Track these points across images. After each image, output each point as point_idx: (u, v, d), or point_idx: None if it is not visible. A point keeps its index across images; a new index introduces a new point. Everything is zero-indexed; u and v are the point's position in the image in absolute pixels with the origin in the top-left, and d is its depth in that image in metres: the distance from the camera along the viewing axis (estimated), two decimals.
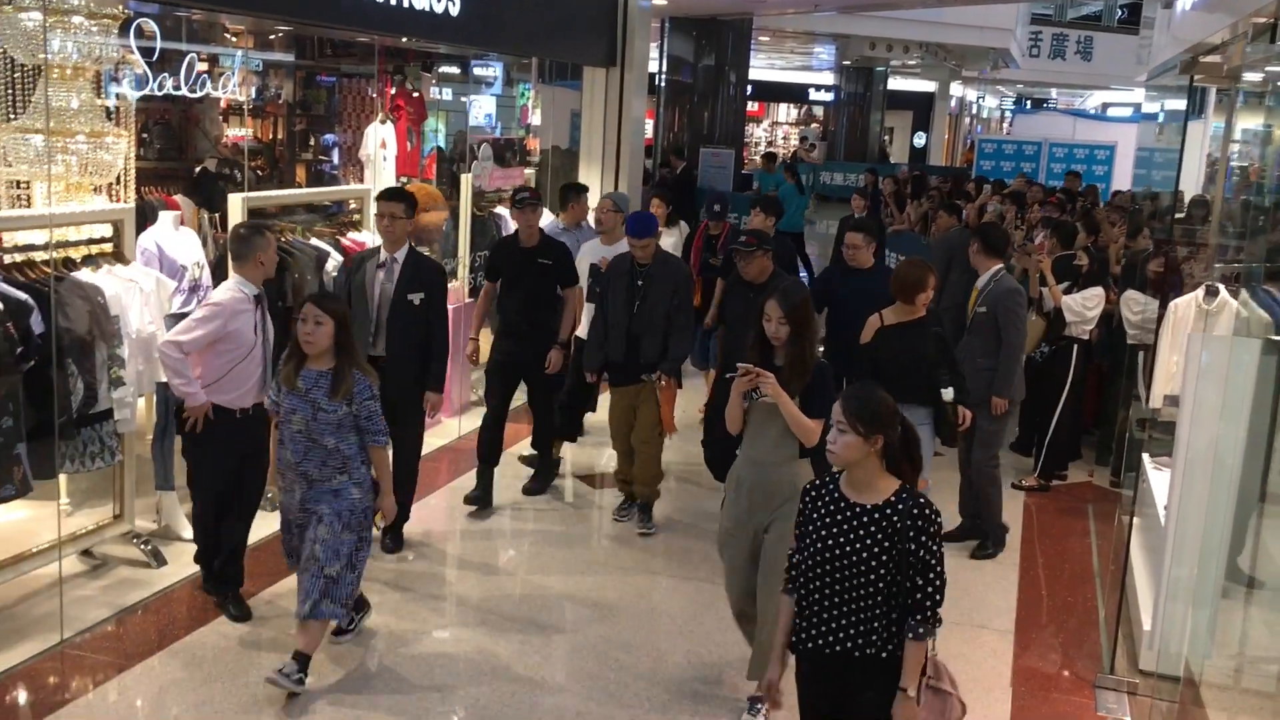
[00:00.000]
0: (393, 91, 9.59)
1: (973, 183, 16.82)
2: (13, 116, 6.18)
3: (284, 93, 11.82)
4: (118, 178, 6.49)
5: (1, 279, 4.88)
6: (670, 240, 8.99)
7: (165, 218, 6.36)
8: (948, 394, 5.79)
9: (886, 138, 32.31)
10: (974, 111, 42.22)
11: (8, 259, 5.10)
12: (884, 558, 3.24)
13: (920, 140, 33.70)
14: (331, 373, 4.50)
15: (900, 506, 3.28)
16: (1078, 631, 5.73)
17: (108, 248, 5.53)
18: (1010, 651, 5.42)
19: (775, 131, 37.58)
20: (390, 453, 4.98)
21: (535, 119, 13.31)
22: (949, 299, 8.18)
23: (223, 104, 10.84)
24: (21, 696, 4.48)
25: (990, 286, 6.59)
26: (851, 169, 25.37)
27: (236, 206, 6.22)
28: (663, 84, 17.18)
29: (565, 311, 6.92)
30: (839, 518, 3.33)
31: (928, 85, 33.27)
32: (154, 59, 6.29)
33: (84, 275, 5.25)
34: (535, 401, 7.12)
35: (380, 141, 8.29)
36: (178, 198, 8.31)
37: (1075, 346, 7.64)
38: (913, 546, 3.23)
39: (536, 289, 6.77)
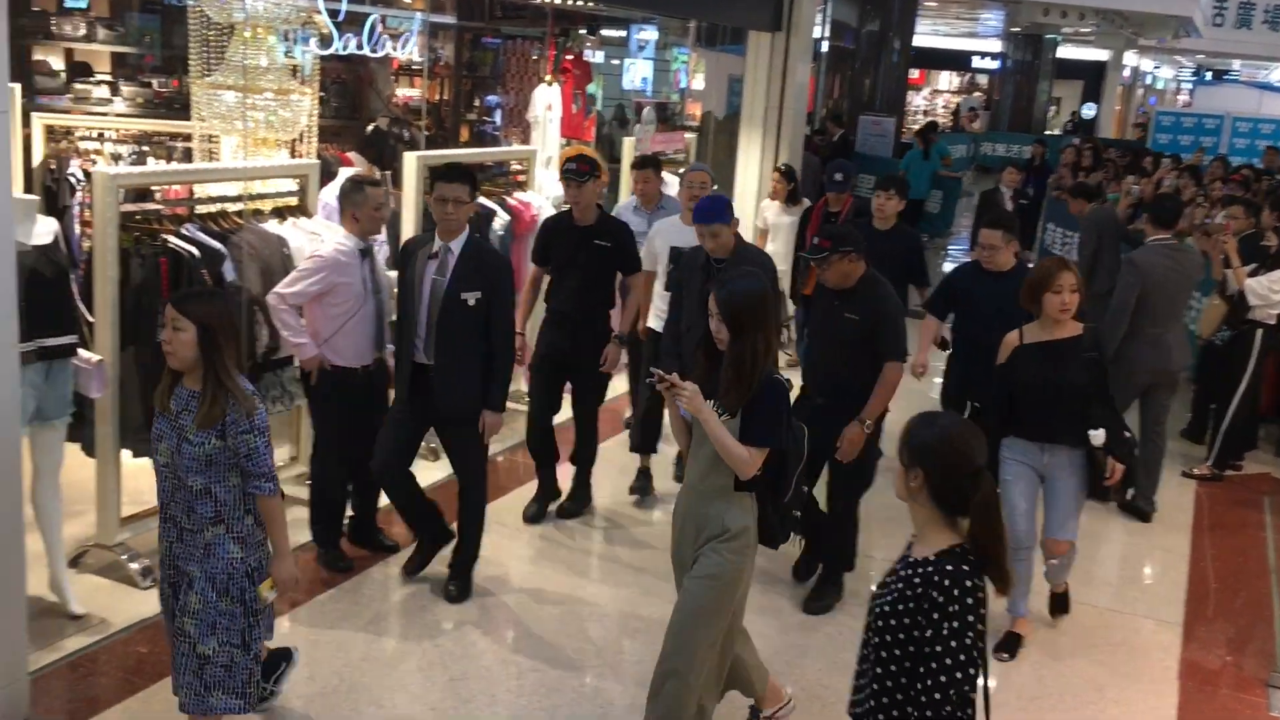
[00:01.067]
0: (567, 55, 9.67)
1: (1150, 157, 16.07)
2: (207, 73, 6.50)
3: (452, 54, 12.08)
4: (301, 134, 6.77)
5: (198, 228, 5.13)
6: (789, 219, 8.66)
7: (344, 174, 6.58)
8: (1096, 437, 4.65)
9: (1054, 108, 31.11)
10: (1148, 83, 40.28)
11: (202, 209, 5.36)
12: (888, 632, 2.62)
13: (1090, 111, 32.33)
14: (199, 394, 3.42)
15: (924, 570, 2.60)
16: (1249, 628, 5.49)
17: (293, 201, 5.76)
18: (1178, 644, 5.23)
19: (935, 100, 36.60)
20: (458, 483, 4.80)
21: (695, 83, 13.30)
22: (1099, 284, 7.85)
23: (394, 64, 11.16)
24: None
25: None
26: (1015, 140, 24.54)
27: (412, 166, 6.40)
28: (824, 50, 16.91)
29: (627, 302, 6.05)
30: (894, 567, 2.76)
31: (1100, 54, 31.85)
32: (338, 20, 6.49)
33: (271, 226, 5.48)
34: (579, 407, 6.05)
35: (547, 104, 8.38)
36: (351, 154, 8.62)
37: (1258, 331, 7.26)
38: (906, 622, 2.57)
39: (592, 274, 5.83)
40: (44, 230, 4.39)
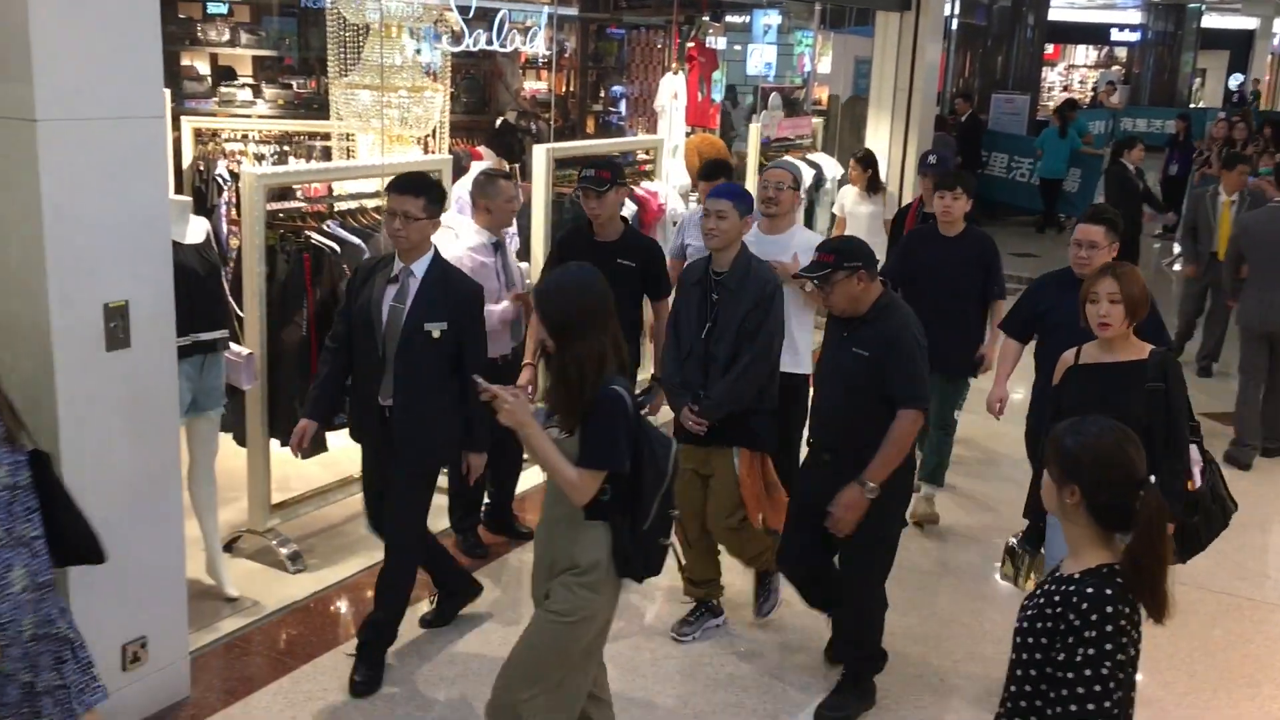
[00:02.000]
0: (689, 43, 9.67)
1: None
2: (344, 73, 6.69)
3: (577, 46, 12.19)
4: (433, 130, 6.92)
5: (339, 225, 5.29)
6: (868, 209, 8.24)
7: (475, 168, 6.70)
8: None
9: (1199, 80, 29.77)
10: None
11: (341, 205, 5.52)
12: (1024, 650, 2.45)
13: (1236, 82, 30.84)
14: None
15: (1065, 589, 2.41)
16: None
17: None
18: None
19: (1071, 75, 35.37)
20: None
21: (821, 66, 13.13)
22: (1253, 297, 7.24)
23: (521, 58, 11.30)
24: (344, 606, 4.93)
25: None
26: (1157, 114, 23.56)
27: (540, 158, 6.47)
28: (954, 27, 16.51)
29: (657, 335, 5.14)
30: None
31: (1248, 22, 30.35)
32: (468, 16, 6.60)
33: None
34: None
35: (673, 92, 8.38)
36: (481, 148, 8.76)
37: None
38: (1043, 642, 2.40)
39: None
40: (197, 229, 4.59)
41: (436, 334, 4.18)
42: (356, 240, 5.27)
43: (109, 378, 3.70)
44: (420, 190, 4.18)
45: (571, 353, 3.19)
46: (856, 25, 12.93)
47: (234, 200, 7.18)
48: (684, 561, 4.70)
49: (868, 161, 8.42)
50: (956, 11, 16.38)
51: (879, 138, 10.19)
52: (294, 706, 4.17)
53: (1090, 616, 2.33)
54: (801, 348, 5.18)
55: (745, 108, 12.43)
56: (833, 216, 8.78)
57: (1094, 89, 32.22)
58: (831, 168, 9.13)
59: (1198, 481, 3.98)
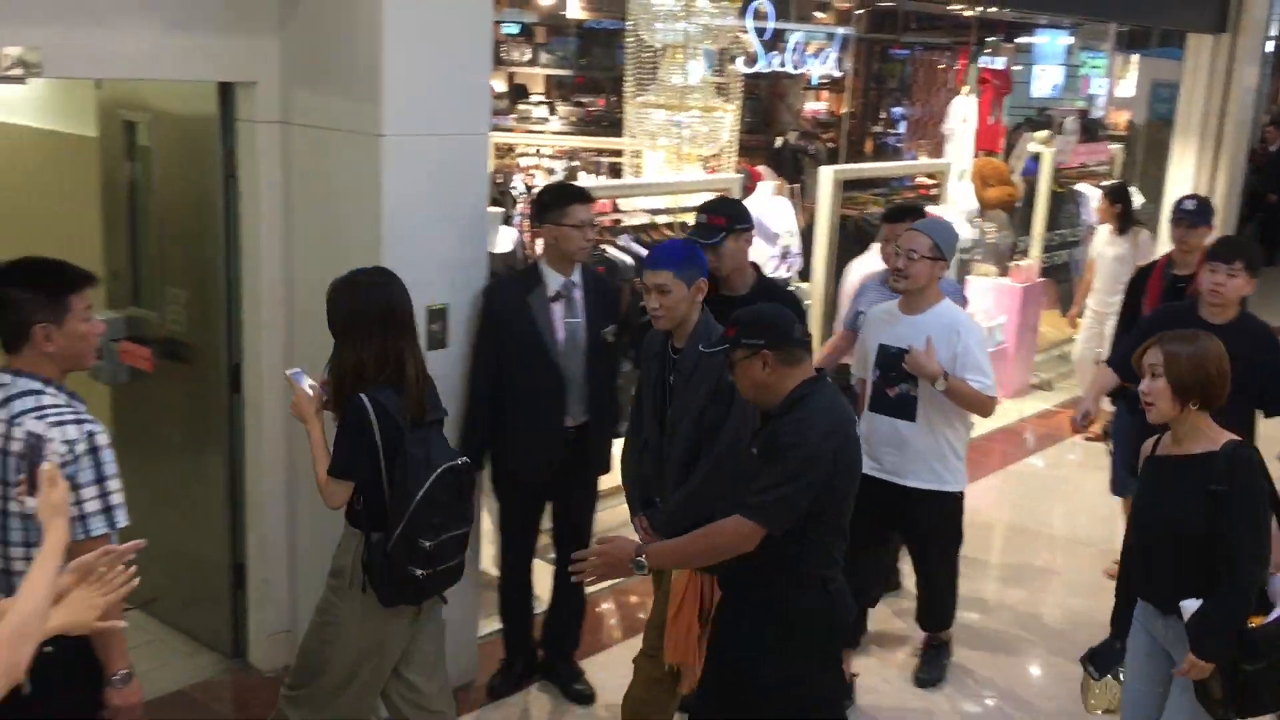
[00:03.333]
0: (980, 64, 9.43)
1: None
2: (639, 93, 6.92)
3: (861, 67, 12.09)
4: (721, 150, 7.05)
5: (632, 239, 5.48)
6: (1114, 252, 7.21)
7: (764, 187, 6.78)
8: (1187, 607, 3.11)
9: None
10: None
11: (633, 221, 5.71)
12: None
13: None
14: None
15: None
16: None
17: None
18: None
19: None
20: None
21: (1119, 90, 12.48)
22: None
23: (804, 78, 11.33)
24: (612, 610, 5.10)
25: None
26: None
27: (827, 179, 6.47)
28: (1269, 49, 15.29)
29: None
30: None
31: None
32: (764, 38, 6.69)
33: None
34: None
35: (963, 116, 8.20)
36: (761, 168, 8.84)
37: None
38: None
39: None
40: (505, 239, 4.87)
41: (610, 338, 4.16)
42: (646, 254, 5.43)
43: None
44: (592, 199, 4.22)
45: (339, 352, 3.23)
46: (1160, 47, 12.22)
47: (528, 212, 7.56)
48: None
49: (1117, 195, 7.43)
50: (1273, 33, 15.17)
51: (1183, 168, 9.57)
52: (564, 700, 4.36)
53: None
54: (950, 456, 4.26)
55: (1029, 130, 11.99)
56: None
57: None
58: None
59: (1274, 616, 3.09)
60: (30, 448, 2.51)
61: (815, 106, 12.24)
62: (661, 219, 5.80)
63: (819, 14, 10.24)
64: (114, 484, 2.68)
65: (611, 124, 9.64)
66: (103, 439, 2.67)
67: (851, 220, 6.57)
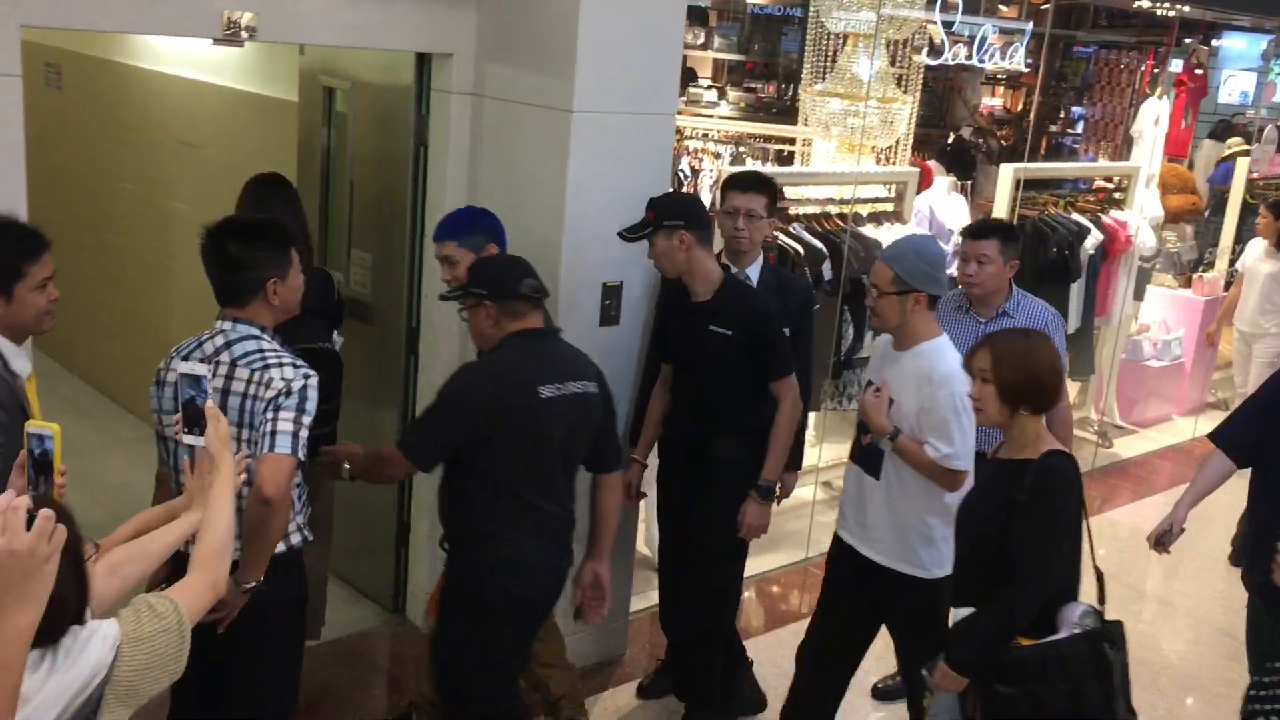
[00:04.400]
0: (1175, 66, 9.01)
1: None
2: (818, 82, 6.84)
3: (1042, 63, 11.70)
4: (896, 142, 6.92)
5: (803, 228, 5.43)
6: (1269, 269, 6.79)
7: (941, 183, 6.65)
8: (958, 614, 3.05)
9: None
10: None
11: (805, 210, 5.66)
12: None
13: None
14: None
15: None
16: None
17: (888, 207, 5.91)
18: None
19: None
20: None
21: None
22: None
23: (981, 73, 11.02)
24: (769, 599, 5.06)
25: None
26: None
27: (1007, 177, 6.29)
28: None
29: (776, 425, 3.78)
30: None
31: None
32: (951, 29, 6.53)
33: (868, 230, 5.66)
34: (684, 595, 4.05)
35: (1154, 118, 7.85)
36: (931, 163, 8.65)
37: None
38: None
39: (709, 378, 3.82)
40: None
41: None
42: (819, 245, 5.38)
43: (596, 350, 3.99)
44: (763, 187, 3.97)
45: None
46: None
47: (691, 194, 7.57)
48: None
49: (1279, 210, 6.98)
50: None
51: None
52: None
53: None
54: (922, 531, 3.49)
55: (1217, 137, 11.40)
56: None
57: None
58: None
59: (1060, 635, 2.86)
60: (190, 386, 2.56)
61: (991, 102, 11.91)
62: (834, 209, 5.72)
63: (1003, 7, 9.95)
64: (308, 420, 2.82)
65: (781, 111, 9.57)
66: (313, 383, 2.83)
67: (1029, 221, 6.36)
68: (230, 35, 3.47)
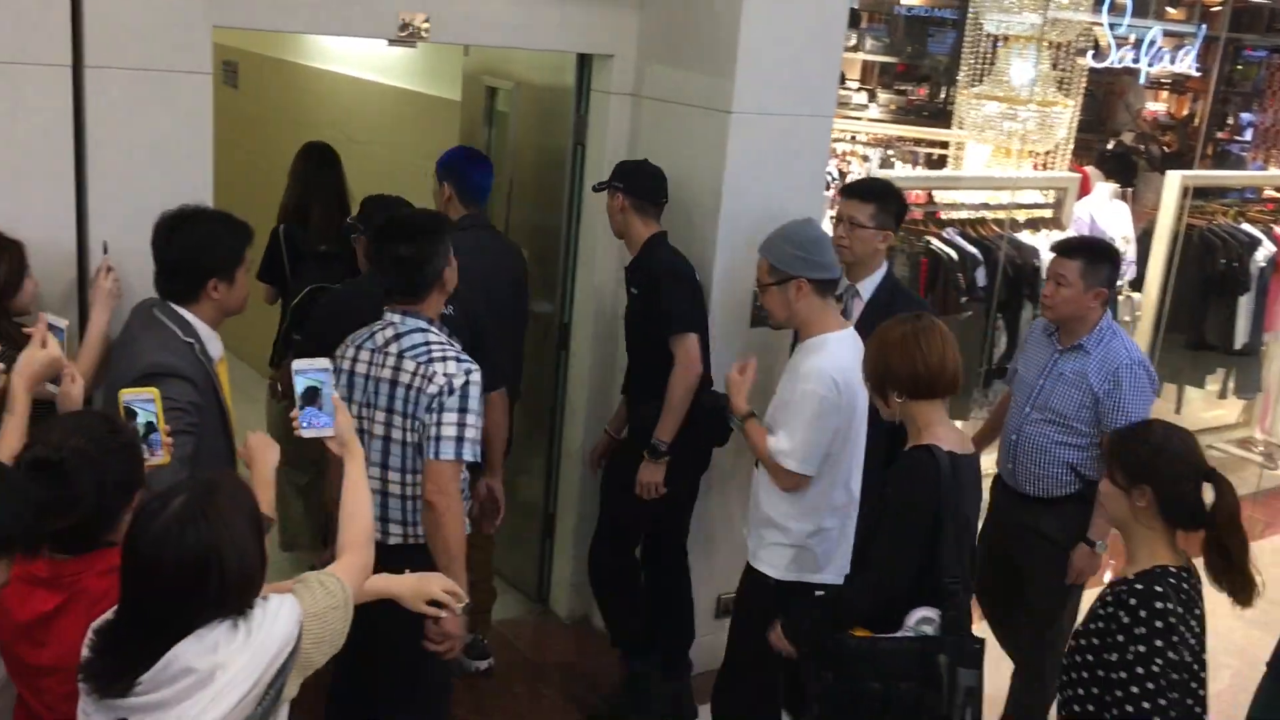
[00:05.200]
0: None
1: None
2: (975, 84, 6.70)
3: (1212, 67, 11.22)
4: (1055, 147, 6.72)
5: (957, 233, 5.33)
6: None
7: (1102, 189, 6.47)
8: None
9: None
10: None
11: (958, 215, 5.55)
12: (1077, 653, 2.57)
13: None
14: None
15: (1117, 590, 2.51)
16: None
17: (1047, 213, 5.76)
18: None
19: None
20: None
21: None
22: None
23: (1145, 78, 10.63)
24: None
25: None
26: None
27: (1174, 185, 6.06)
28: None
29: (669, 385, 3.72)
30: None
31: None
32: (1117, 31, 6.34)
33: (1025, 236, 5.53)
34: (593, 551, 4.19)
35: None
36: (1089, 169, 8.38)
37: None
38: (1095, 643, 2.51)
39: (632, 340, 3.96)
40: (829, 225, 4.84)
41: None
42: (974, 250, 5.28)
43: (747, 350, 4.01)
44: (871, 196, 3.73)
45: None
46: None
47: (838, 200, 7.49)
48: None
49: None
50: None
51: None
52: None
53: (1139, 613, 2.38)
54: (764, 525, 3.42)
55: None
56: None
57: None
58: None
59: (907, 630, 2.79)
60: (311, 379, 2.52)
61: (1154, 107, 11.47)
62: (989, 214, 5.60)
63: (1170, 9, 9.57)
64: (473, 419, 2.89)
65: (932, 114, 9.39)
66: (476, 378, 2.90)
67: (1197, 231, 6.11)
68: (405, 36, 3.60)
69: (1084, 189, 6.81)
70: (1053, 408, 3.65)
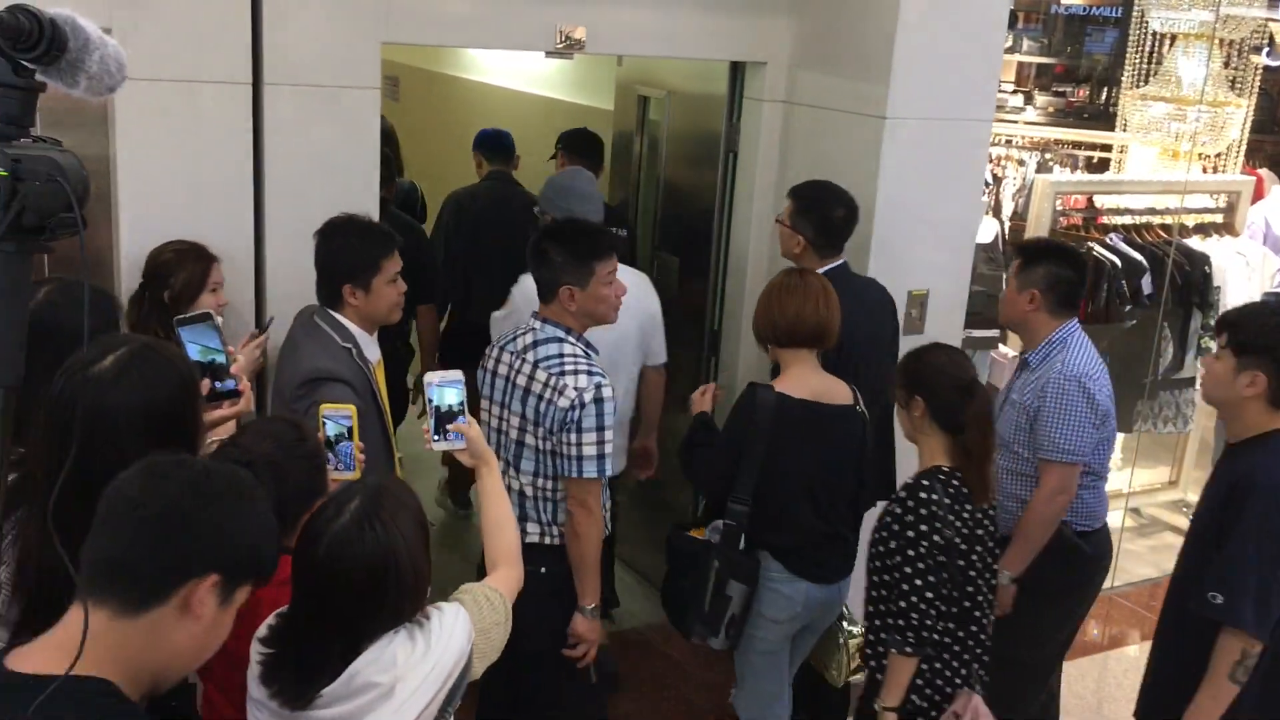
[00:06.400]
0: None
1: None
2: (1140, 84, 6.46)
3: None
4: (1229, 148, 6.43)
5: (1121, 239, 5.15)
6: None
7: (1277, 191, 6.13)
8: None
9: None
10: None
11: (1122, 220, 5.36)
12: (874, 559, 2.86)
13: None
14: None
15: (897, 494, 2.87)
16: None
17: (1218, 218, 5.51)
18: None
19: None
20: None
21: None
22: None
23: None
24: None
25: None
26: None
27: None
28: None
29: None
30: None
31: None
32: None
33: (1194, 243, 5.31)
34: None
35: None
36: (1262, 171, 7.97)
37: None
38: (880, 550, 2.80)
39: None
40: (986, 230, 4.75)
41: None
42: (1138, 257, 5.09)
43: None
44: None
45: None
46: None
47: (992, 202, 7.31)
48: None
49: None
50: None
51: None
52: None
53: (908, 503, 2.71)
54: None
55: None
56: None
57: None
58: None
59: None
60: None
61: None
62: (1155, 220, 5.40)
63: None
64: (609, 435, 2.92)
65: (1092, 116, 9.07)
66: (607, 391, 2.92)
67: None
68: (563, 48, 3.67)
69: (1258, 193, 6.48)
70: (999, 432, 3.22)
